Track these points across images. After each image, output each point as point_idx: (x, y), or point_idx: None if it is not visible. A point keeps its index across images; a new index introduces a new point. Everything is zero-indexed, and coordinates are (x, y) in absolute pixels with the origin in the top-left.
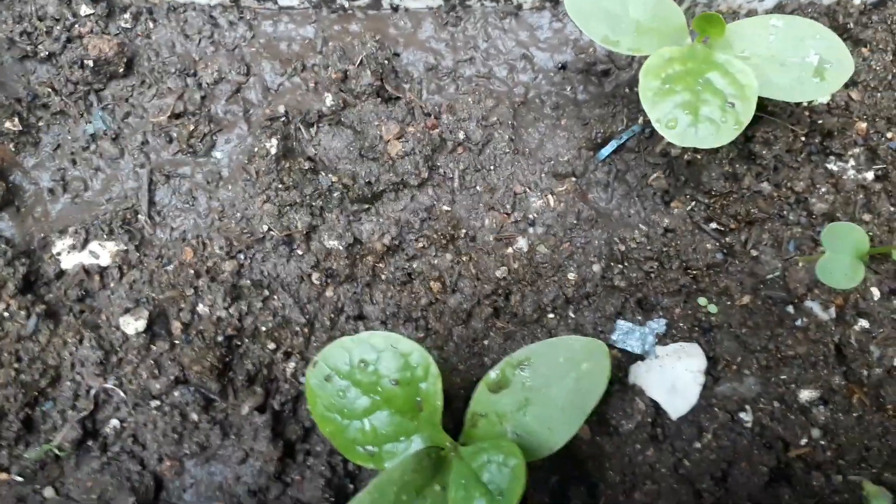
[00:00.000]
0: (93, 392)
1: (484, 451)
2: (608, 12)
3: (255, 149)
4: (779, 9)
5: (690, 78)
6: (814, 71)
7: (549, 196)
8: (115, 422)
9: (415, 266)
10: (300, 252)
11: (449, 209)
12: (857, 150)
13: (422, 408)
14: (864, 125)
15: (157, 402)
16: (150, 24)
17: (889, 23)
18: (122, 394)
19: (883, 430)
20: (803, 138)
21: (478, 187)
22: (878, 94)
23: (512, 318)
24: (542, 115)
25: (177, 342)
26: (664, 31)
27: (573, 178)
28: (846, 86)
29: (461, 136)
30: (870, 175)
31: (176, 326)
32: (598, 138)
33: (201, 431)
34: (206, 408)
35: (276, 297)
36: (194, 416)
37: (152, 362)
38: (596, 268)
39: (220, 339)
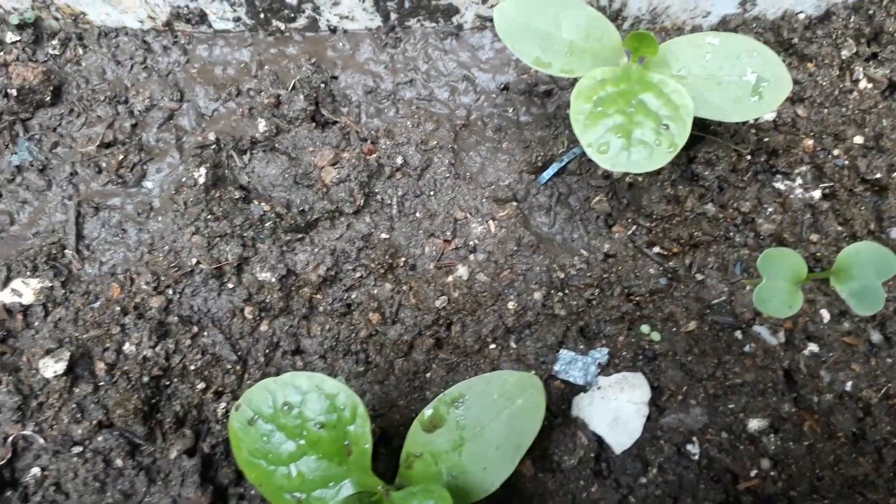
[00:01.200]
0: (10, 439)
1: (414, 496)
2: (540, 33)
3: (183, 178)
4: (723, 24)
5: (623, 100)
6: (752, 89)
7: (491, 222)
8: (35, 470)
9: (353, 297)
10: (231, 285)
11: (387, 237)
12: (803, 168)
13: (351, 451)
14: (810, 142)
15: (80, 448)
16: (80, 51)
17: (834, 37)
18: (42, 440)
19: (835, 459)
20: (749, 157)
21: (417, 214)
22: (825, 111)
23: (454, 350)
24: (484, 138)
25: (101, 384)
26: (598, 52)
27: (514, 203)
28: (792, 102)
29: (399, 161)
30: (817, 194)
31: (100, 367)
32: (539, 161)
33: (126, 478)
34: (131, 453)
35: (205, 333)
36: (119, 462)
37: (74, 406)
38: (537, 295)
39: (146, 379)
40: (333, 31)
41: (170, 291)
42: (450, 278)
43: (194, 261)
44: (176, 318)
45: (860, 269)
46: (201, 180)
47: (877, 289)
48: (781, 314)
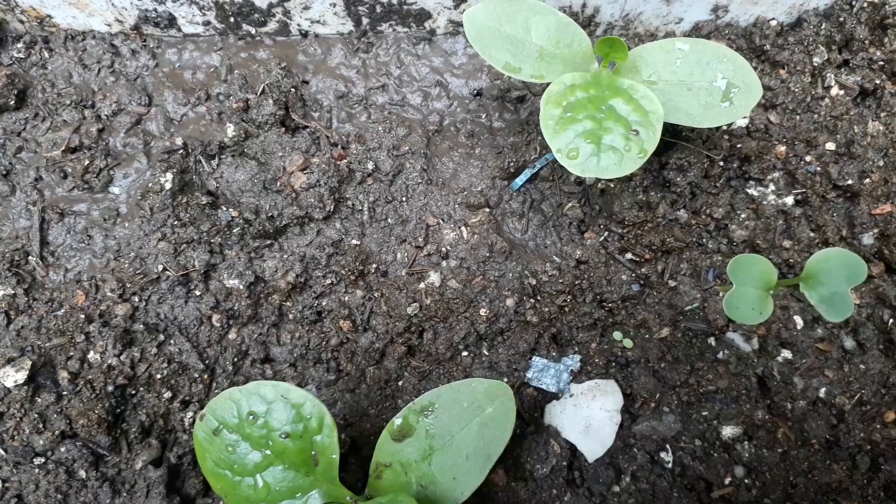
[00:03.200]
0: None
1: None
2: (510, 38)
3: (150, 184)
4: (696, 30)
5: (593, 105)
6: (722, 95)
7: (463, 228)
8: None
9: (323, 304)
10: (198, 293)
11: (358, 243)
12: (776, 175)
13: (318, 461)
14: (783, 148)
15: (42, 460)
16: (46, 54)
17: (806, 44)
18: (2, 451)
19: (809, 466)
20: (721, 163)
21: (388, 220)
22: (797, 117)
23: (426, 357)
24: (457, 143)
25: (64, 393)
26: (568, 57)
27: (487, 209)
28: (765, 108)
29: (371, 166)
30: (790, 200)
31: (63, 376)
32: (512, 167)
33: (89, 490)
34: (94, 464)
35: (172, 341)
36: (82, 474)
37: (36, 416)
38: (509, 302)
39: (110, 388)
40: (305, 35)
41: (136, 299)
42: (422, 285)
43: (161, 267)
44: (142, 325)
45: (829, 276)
46: (168, 186)
47: (845, 295)
48: (751, 321)
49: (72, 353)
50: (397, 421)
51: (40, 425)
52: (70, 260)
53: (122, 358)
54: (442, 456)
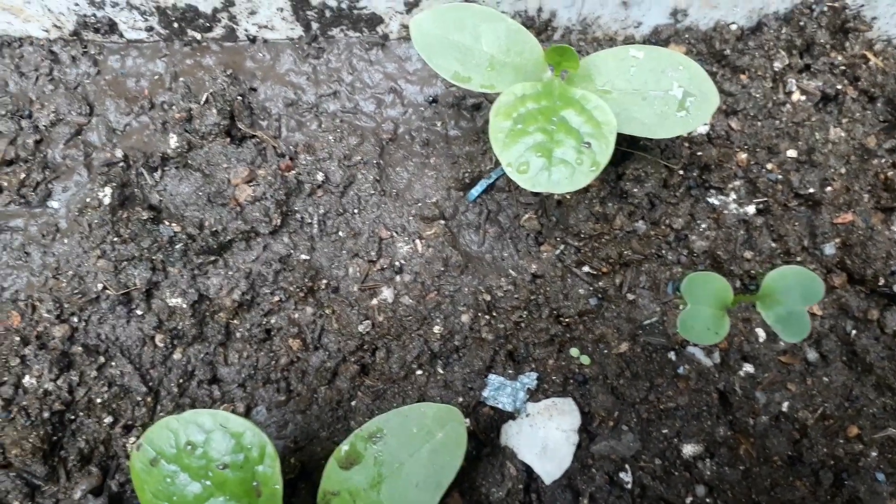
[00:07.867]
0: None
1: None
2: (459, 46)
3: (88, 199)
4: (655, 34)
5: (544, 117)
6: (678, 104)
7: (417, 241)
8: None
9: (272, 322)
10: (140, 312)
11: (307, 258)
12: (737, 183)
13: (260, 492)
14: (744, 156)
15: None
16: None
17: (766, 49)
18: None
19: (771, 483)
20: (681, 172)
21: (340, 233)
22: (759, 123)
23: (380, 376)
24: (411, 152)
25: None
26: (520, 66)
27: (442, 221)
28: (726, 114)
29: (320, 177)
30: (751, 209)
31: None
32: (468, 178)
33: None
34: (30, 495)
35: (113, 363)
36: None
37: None
38: (465, 318)
39: (47, 414)
40: (253, 40)
41: (74, 319)
42: (374, 301)
43: (100, 286)
44: (81, 347)
45: (786, 294)
46: (106, 200)
47: (802, 314)
48: (707, 341)
49: (6, 378)
50: (344, 448)
51: None
52: (6, 279)
53: (59, 382)
54: (391, 484)
